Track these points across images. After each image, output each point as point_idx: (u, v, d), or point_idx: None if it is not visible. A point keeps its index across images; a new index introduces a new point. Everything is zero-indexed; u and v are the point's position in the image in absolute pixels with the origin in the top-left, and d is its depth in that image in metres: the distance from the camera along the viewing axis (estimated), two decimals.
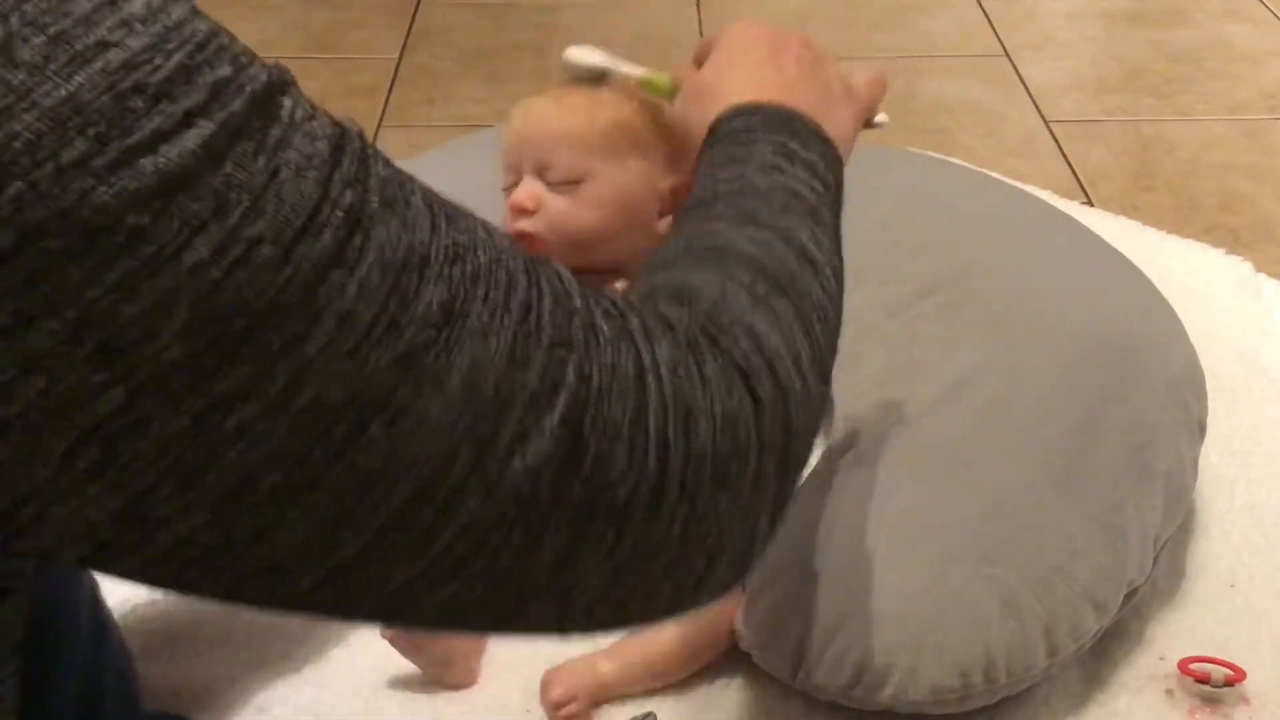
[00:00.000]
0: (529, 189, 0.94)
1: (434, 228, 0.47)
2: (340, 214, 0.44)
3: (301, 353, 0.43)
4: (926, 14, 2.29)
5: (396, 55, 2.16)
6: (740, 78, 0.77)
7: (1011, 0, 2.33)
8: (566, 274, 0.53)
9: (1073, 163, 1.84)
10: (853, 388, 1.20)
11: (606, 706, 1.02)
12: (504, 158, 0.98)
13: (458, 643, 1.04)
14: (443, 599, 0.49)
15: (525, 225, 0.94)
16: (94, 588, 0.90)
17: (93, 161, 0.39)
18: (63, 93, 0.39)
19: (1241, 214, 1.72)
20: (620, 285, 0.97)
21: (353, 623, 0.51)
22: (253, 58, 0.45)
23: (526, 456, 0.47)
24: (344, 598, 0.48)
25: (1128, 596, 1.03)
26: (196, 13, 0.44)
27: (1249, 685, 1.03)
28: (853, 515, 1.05)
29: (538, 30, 2.25)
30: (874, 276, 1.28)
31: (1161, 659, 1.06)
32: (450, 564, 0.47)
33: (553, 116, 0.95)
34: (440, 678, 1.05)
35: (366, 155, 0.47)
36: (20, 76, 0.39)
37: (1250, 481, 1.24)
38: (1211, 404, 1.19)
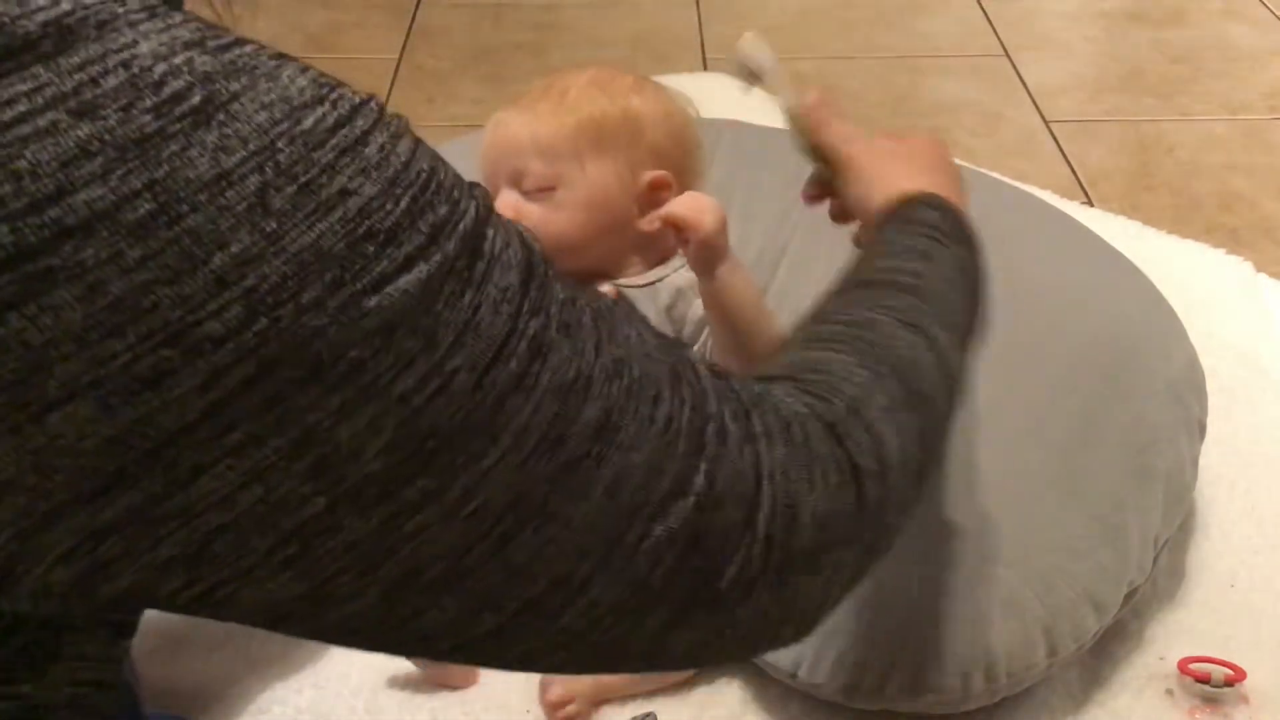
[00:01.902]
0: (506, 200, 0.96)
1: (599, 348, 0.51)
2: (525, 344, 0.48)
3: (478, 467, 0.47)
4: (926, 14, 2.29)
5: (396, 55, 2.17)
6: (903, 169, 0.86)
7: (1011, 0, 2.33)
8: (705, 373, 0.56)
9: (1073, 163, 1.84)
10: None
11: (606, 707, 1.02)
12: (481, 171, 0.98)
13: None
14: (549, 664, 0.55)
15: None
16: None
17: (327, 302, 0.42)
18: (307, 240, 0.42)
19: (1241, 214, 1.72)
20: (607, 288, 0.98)
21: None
22: (463, 190, 0.48)
23: (647, 553, 0.52)
24: (469, 658, 0.53)
25: (1128, 596, 1.03)
26: (418, 145, 0.47)
27: (1249, 685, 1.03)
28: None
29: (538, 30, 2.25)
30: None
31: (1161, 659, 1.06)
32: (565, 639, 0.52)
33: (522, 127, 0.97)
34: (440, 678, 1.05)
35: (548, 280, 0.50)
36: (273, 225, 0.42)
37: (1250, 481, 1.24)
38: (1212, 404, 1.18)
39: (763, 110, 1.73)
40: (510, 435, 0.47)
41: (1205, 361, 1.21)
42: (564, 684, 1.01)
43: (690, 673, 1.04)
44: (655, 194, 0.97)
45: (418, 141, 0.48)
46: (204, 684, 1.05)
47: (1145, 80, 2.07)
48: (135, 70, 0.41)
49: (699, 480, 0.52)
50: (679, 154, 1.00)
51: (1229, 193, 1.77)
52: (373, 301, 0.43)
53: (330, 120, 0.44)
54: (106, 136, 0.40)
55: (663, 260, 1.01)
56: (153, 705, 1.00)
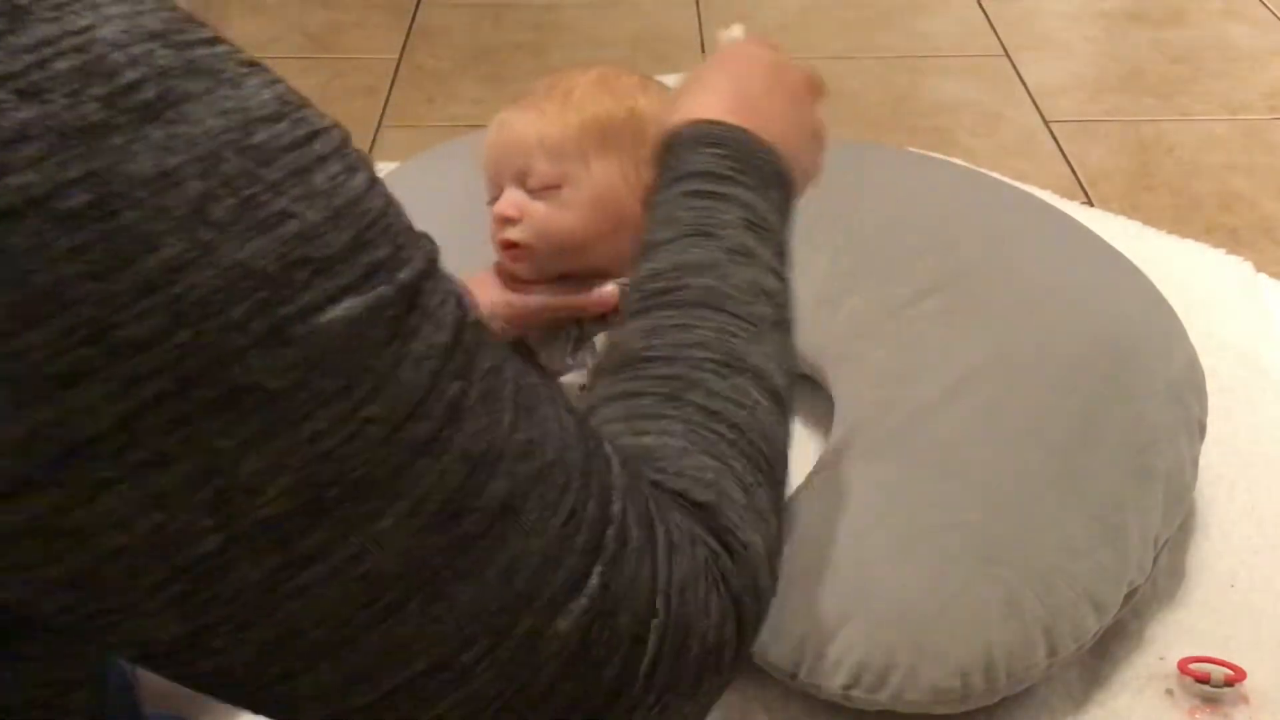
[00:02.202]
0: (511, 198, 0.95)
1: (514, 425, 0.49)
2: (442, 406, 0.46)
3: (375, 526, 0.45)
4: (926, 14, 2.29)
5: (396, 55, 2.17)
6: (718, 89, 0.76)
7: (1011, 0, 2.33)
8: (616, 467, 0.54)
9: (1073, 163, 1.84)
10: (853, 388, 1.20)
11: None
12: (485, 171, 0.98)
13: None
14: None
15: (512, 234, 0.95)
16: None
17: (252, 324, 0.41)
18: (240, 255, 0.41)
19: (1241, 214, 1.72)
20: (611, 287, 0.97)
21: None
22: (411, 240, 0.47)
23: (534, 652, 0.49)
24: None
25: (1128, 596, 1.03)
26: (374, 184, 0.46)
27: (1249, 685, 1.03)
28: (853, 515, 1.05)
29: (538, 30, 2.25)
30: (874, 276, 1.28)
31: (1161, 659, 1.06)
32: None
33: (526, 125, 0.96)
34: None
35: (477, 346, 0.49)
36: (209, 234, 0.40)
37: (1250, 481, 1.24)
38: (1212, 404, 1.18)
39: None
40: (411, 498, 0.45)
41: (1205, 361, 1.21)
42: None
43: None
44: None
45: (374, 180, 0.46)
46: None
47: (1145, 80, 2.07)
48: (90, 56, 0.40)
49: (594, 582, 0.50)
50: None
51: (1229, 193, 1.77)
52: (298, 330, 0.42)
53: (285, 139, 0.43)
54: (50, 121, 0.38)
55: None
56: (152, 705, 1.00)
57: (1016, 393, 1.12)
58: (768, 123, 0.74)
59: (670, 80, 1.05)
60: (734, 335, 0.63)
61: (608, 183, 0.96)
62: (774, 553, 0.60)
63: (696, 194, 0.69)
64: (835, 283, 1.29)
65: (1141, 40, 2.20)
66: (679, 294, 0.65)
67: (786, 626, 0.99)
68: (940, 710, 0.97)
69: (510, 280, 0.99)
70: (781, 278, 0.69)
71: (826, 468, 1.13)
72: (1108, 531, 1.03)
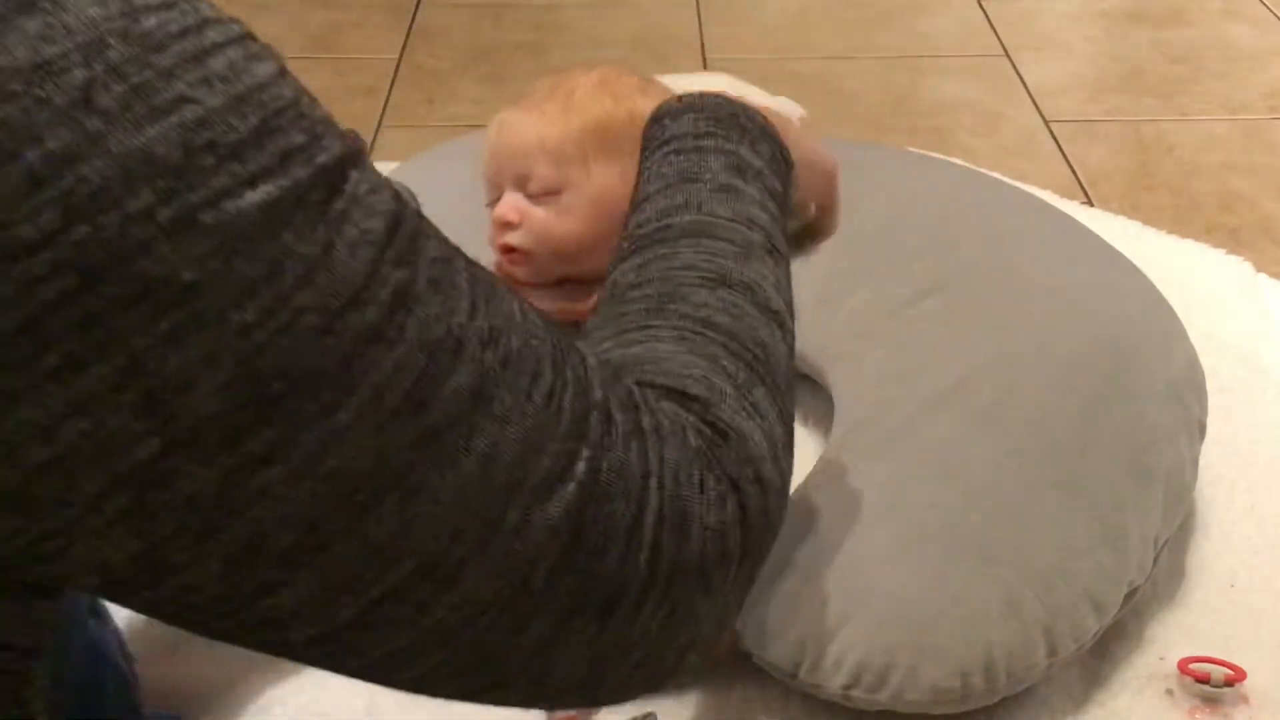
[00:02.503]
0: (511, 202, 0.95)
1: (473, 310, 0.48)
2: (387, 292, 0.45)
3: (332, 421, 0.43)
4: (926, 14, 2.29)
5: (396, 55, 2.17)
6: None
7: (1011, 0, 2.33)
8: (592, 361, 0.53)
9: (1073, 163, 1.84)
10: (853, 388, 1.20)
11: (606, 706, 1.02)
12: (484, 173, 0.98)
13: None
14: (425, 668, 0.50)
15: (511, 239, 0.95)
16: None
17: (157, 214, 0.40)
18: (135, 143, 0.40)
19: (1241, 214, 1.72)
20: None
21: (339, 674, 0.53)
22: (329, 127, 0.46)
23: (527, 542, 0.48)
24: (332, 656, 0.49)
25: (1128, 596, 1.03)
26: (282, 75, 0.45)
27: (1249, 685, 1.03)
28: (853, 515, 1.05)
29: (538, 30, 2.25)
30: (874, 276, 1.28)
31: (1161, 659, 1.06)
32: (438, 638, 0.48)
33: (527, 127, 0.96)
34: None
35: (419, 235, 0.48)
36: (96, 123, 0.39)
37: (1250, 481, 1.24)
38: (1212, 404, 1.19)
39: None
40: (368, 389, 0.44)
41: (1205, 361, 1.21)
42: None
43: (689, 674, 1.04)
44: None
45: (284, 72, 0.45)
46: (204, 684, 1.05)
47: (1145, 80, 2.07)
48: None
49: (581, 466, 0.49)
50: None
51: (1229, 193, 1.77)
52: (209, 218, 0.41)
53: (175, 27, 0.42)
54: None
55: None
56: (152, 705, 1.00)
57: (1016, 393, 1.12)
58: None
59: (670, 80, 1.05)
60: (721, 256, 0.62)
61: (608, 186, 0.95)
62: (777, 447, 0.58)
63: (677, 151, 0.69)
64: (835, 283, 1.29)
65: (1141, 40, 2.20)
66: (665, 231, 0.64)
67: (786, 626, 0.99)
68: (940, 710, 0.97)
69: (510, 283, 0.99)
70: (772, 214, 0.68)
71: (826, 468, 1.13)
72: (1108, 531, 1.03)
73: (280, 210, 0.42)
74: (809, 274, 1.31)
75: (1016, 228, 1.34)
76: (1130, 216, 1.65)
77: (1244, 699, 1.03)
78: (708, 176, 0.67)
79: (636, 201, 0.68)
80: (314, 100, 0.46)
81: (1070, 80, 2.08)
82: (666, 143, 0.70)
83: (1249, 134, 1.91)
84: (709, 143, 0.69)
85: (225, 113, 0.42)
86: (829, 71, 2.09)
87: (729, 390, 0.57)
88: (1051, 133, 1.92)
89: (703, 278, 0.62)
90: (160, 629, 1.08)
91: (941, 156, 1.68)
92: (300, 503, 0.44)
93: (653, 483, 0.51)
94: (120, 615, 1.00)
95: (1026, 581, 0.98)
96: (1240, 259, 1.56)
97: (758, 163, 0.69)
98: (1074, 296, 1.22)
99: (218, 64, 0.42)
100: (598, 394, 0.52)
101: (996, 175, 1.58)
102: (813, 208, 0.84)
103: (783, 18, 2.27)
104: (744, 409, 0.57)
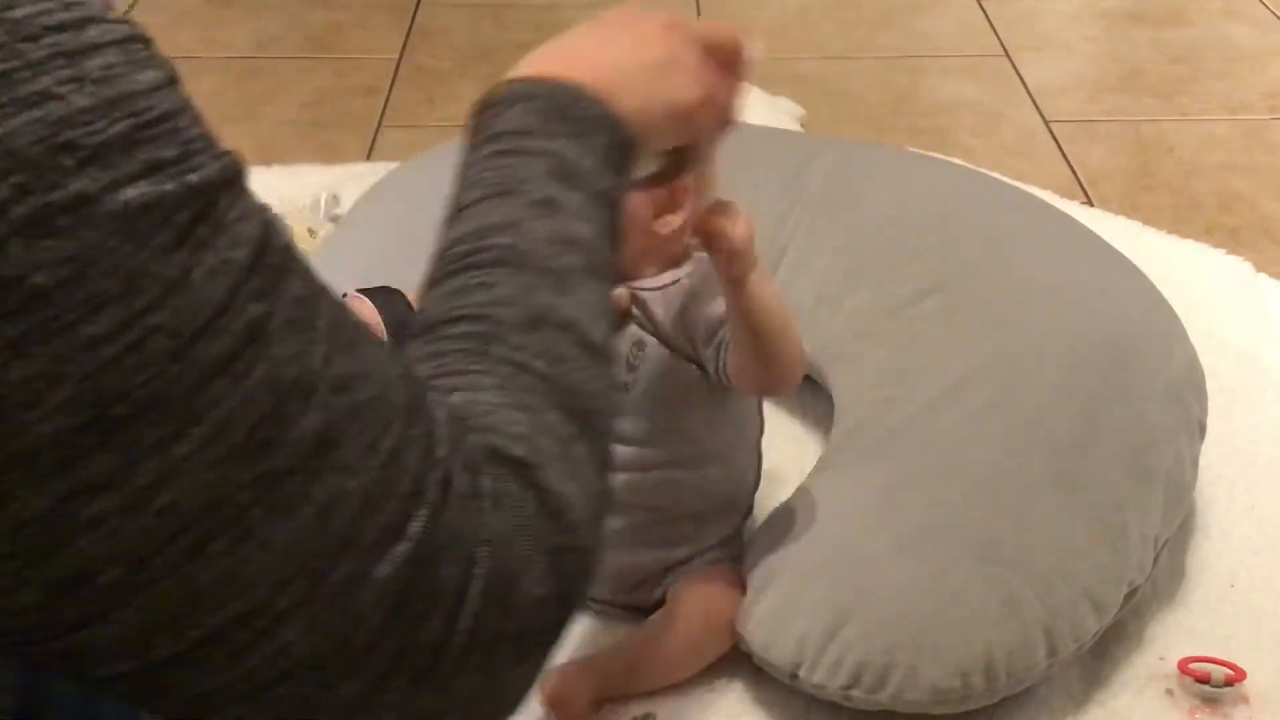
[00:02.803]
0: None
1: (329, 355, 0.47)
2: (241, 325, 0.44)
3: (172, 453, 0.42)
4: (926, 14, 2.29)
5: (396, 55, 2.17)
6: (546, 49, 0.73)
7: (1011, 0, 2.33)
8: (442, 416, 0.52)
9: (1073, 163, 1.84)
10: (853, 388, 1.20)
11: (606, 707, 1.02)
12: None
13: None
14: (233, 714, 0.48)
15: None
16: None
17: (10, 210, 0.38)
18: None
19: (1241, 214, 1.72)
20: (621, 291, 0.97)
21: (138, 709, 0.50)
22: (206, 147, 0.44)
23: (353, 600, 0.47)
24: (135, 693, 0.47)
25: (1128, 596, 1.03)
26: (166, 87, 0.44)
27: (1249, 685, 1.03)
28: (853, 515, 1.05)
29: (538, 30, 2.25)
30: (874, 276, 1.28)
31: (1161, 659, 1.06)
32: (247, 689, 0.47)
33: None
34: None
35: (284, 271, 0.46)
36: None
37: (1250, 481, 1.24)
38: (1211, 404, 1.19)
39: (762, 110, 1.73)
40: (212, 424, 0.43)
41: (1205, 361, 1.21)
42: (565, 683, 1.01)
43: (690, 673, 1.04)
44: (675, 194, 0.97)
45: (171, 83, 0.44)
46: None
47: (1145, 80, 2.07)
48: None
49: (415, 526, 0.48)
50: None
51: (1229, 193, 1.77)
52: (66, 221, 0.39)
53: (53, 19, 0.40)
54: None
55: (677, 263, 1.01)
56: None
57: (1016, 393, 1.12)
58: (596, 68, 0.69)
59: None
60: (538, 289, 0.60)
61: None
62: (595, 506, 0.57)
63: (501, 153, 0.66)
64: (835, 283, 1.29)
65: (1141, 40, 2.20)
66: (480, 256, 0.62)
67: (786, 626, 0.99)
68: (940, 710, 0.97)
69: None
70: (597, 223, 0.65)
71: (826, 468, 1.13)
72: (1108, 531, 1.03)
73: (142, 224, 0.41)
74: (809, 274, 1.32)
75: (1016, 228, 1.34)
76: (1130, 216, 1.65)
77: (1244, 699, 1.03)
78: (527, 188, 0.64)
79: (454, 210, 0.65)
80: (198, 118, 0.45)
81: (1070, 80, 2.08)
82: (492, 139, 0.67)
83: (1249, 134, 1.91)
84: (533, 143, 0.66)
85: (92, 114, 0.41)
86: (829, 71, 2.09)
87: (553, 449, 0.56)
88: (1051, 133, 1.92)
89: (521, 316, 0.59)
90: None
91: (941, 156, 1.68)
92: (130, 537, 0.42)
93: (483, 550, 0.50)
94: None
95: (1026, 581, 0.98)
96: (1240, 259, 1.56)
97: (586, 161, 0.66)
98: (1074, 296, 1.22)
99: (94, 64, 0.41)
100: (441, 452, 0.50)
101: (996, 175, 1.58)
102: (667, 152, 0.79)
103: (783, 18, 2.27)
104: (567, 470, 0.56)
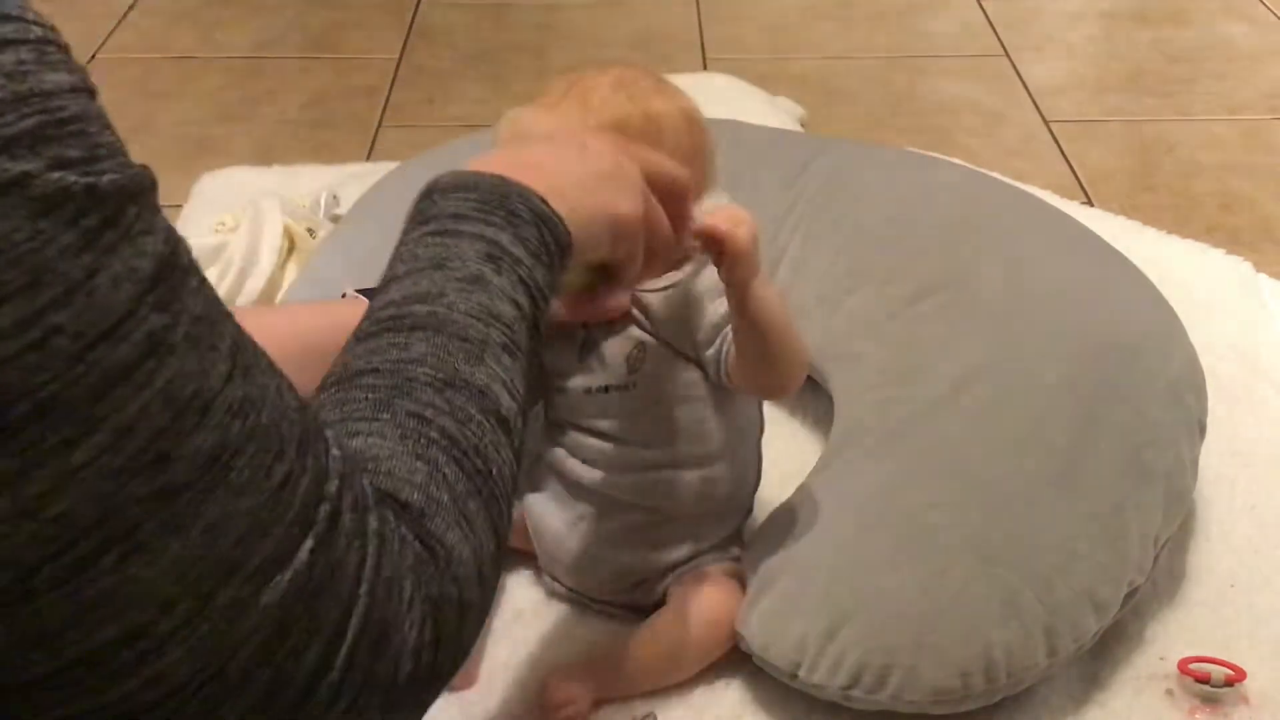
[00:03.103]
0: None
1: (229, 376, 0.47)
2: (143, 334, 0.44)
3: (69, 459, 0.42)
4: (926, 14, 2.29)
5: (396, 55, 2.17)
6: (494, 155, 0.75)
7: (1011, 0, 2.33)
8: (335, 452, 0.52)
9: (1073, 163, 1.84)
10: (853, 388, 1.20)
11: (606, 707, 1.02)
12: None
13: None
14: None
15: None
16: None
17: None
18: None
19: (1241, 214, 1.72)
20: (622, 294, 0.97)
21: None
22: (114, 155, 0.44)
23: (234, 626, 0.47)
24: (11, 710, 0.46)
25: (1128, 596, 1.03)
26: (78, 91, 0.44)
27: (1249, 685, 1.03)
28: (852, 515, 1.05)
29: (538, 30, 2.25)
30: (874, 276, 1.28)
31: (1161, 659, 1.06)
32: (125, 710, 0.46)
33: (543, 125, 0.95)
34: None
35: (186, 289, 0.47)
36: None
37: (1250, 481, 1.24)
38: (1211, 404, 1.18)
39: (762, 110, 1.73)
40: (110, 431, 0.42)
41: (1205, 361, 1.21)
42: (565, 684, 1.01)
43: (690, 673, 1.04)
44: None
45: (83, 90, 0.44)
46: None
47: (1145, 80, 2.07)
48: None
49: (302, 557, 0.48)
50: (697, 158, 0.99)
51: (1229, 193, 1.77)
52: None
53: None
54: None
55: (678, 265, 1.01)
56: None
57: (1016, 392, 1.12)
58: (541, 172, 0.72)
59: (673, 81, 1.05)
60: (453, 355, 0.61)
61: None
62: (484, 564, 0.57)
63: (436, 233, 0.68)
64: (835, 283, 1.29)
65: (1142, 40, 2.20)
66: (404, 320, 0.63)
67: (786, 626, 0.99)
68: (940, 710, 0.97)
69: None
70: (521, 307, 0.66)
71: (826, 467, 1.13)
72: (1108, 531, 1.03)
73: (46, 223, 0.41)
74: (809, 274, 1.32)
75: (1016, 228, 1.34)
76: (1130, 216, 1.65)
77: (1244, 699, 1.03)
78: (457, 264, 0.65)
79: (385, 281, 0.67)
80: (107, 127, 0.45)
81: (1070, 80, 2.08)
82: (428, 220, 0.69)
83: (1249, 134, 1.92)
84: (469, 227, 0.67)
85: (2, 106, 0.41)
86: (829, 71, 2.09)
87: (446, 500, 0.56)
88: (1051, 133, 1.92)
89: (432, 377, 0.60)
90: None
91: (941, 156, 1.68)
92: (18, 545, 0.41)
93: (363, 589, 0.50)
94: None
95: (1026, 581, 0.98)
96: (1240, 259, 1.56)
97: (517, 250, 0.67)
98: (1074, 296, 1.22)
99: (6, 59, 0.41)
100: (332, 486, 0.51)
101: (996, 175, 1.58)
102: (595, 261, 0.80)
103: (783, 18, 2.27)
104: (457, 522, 0.56)
